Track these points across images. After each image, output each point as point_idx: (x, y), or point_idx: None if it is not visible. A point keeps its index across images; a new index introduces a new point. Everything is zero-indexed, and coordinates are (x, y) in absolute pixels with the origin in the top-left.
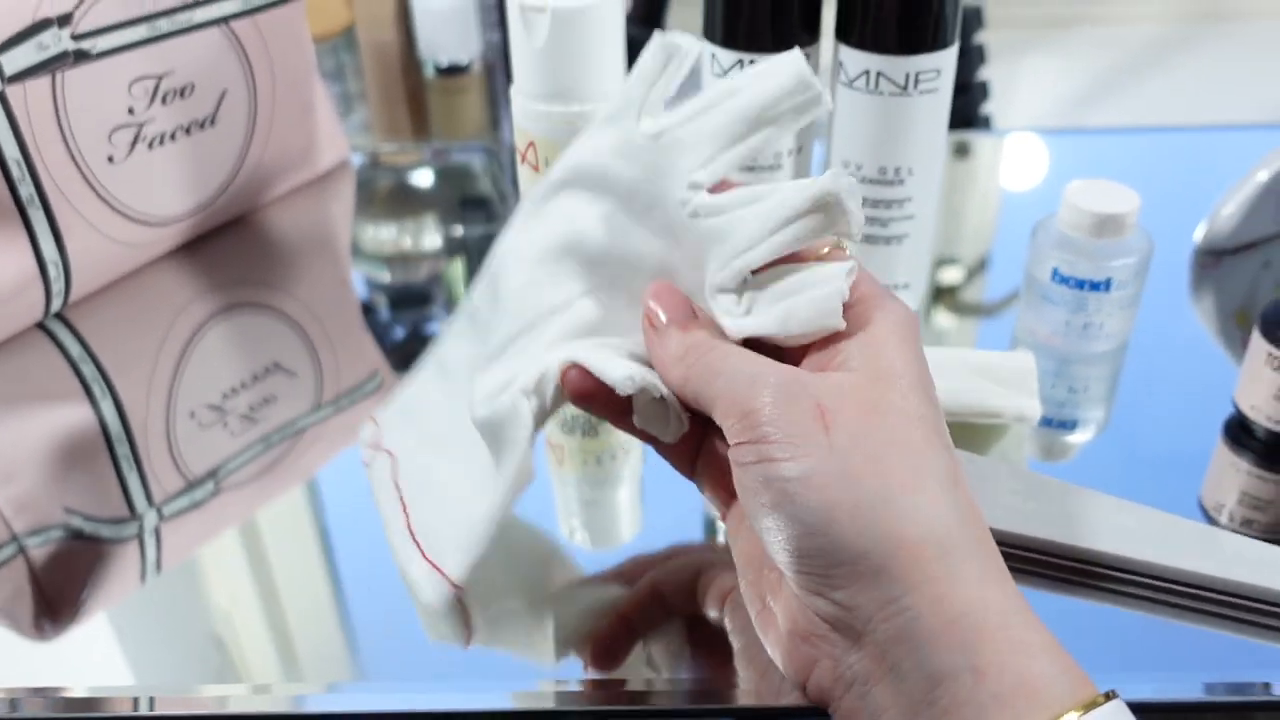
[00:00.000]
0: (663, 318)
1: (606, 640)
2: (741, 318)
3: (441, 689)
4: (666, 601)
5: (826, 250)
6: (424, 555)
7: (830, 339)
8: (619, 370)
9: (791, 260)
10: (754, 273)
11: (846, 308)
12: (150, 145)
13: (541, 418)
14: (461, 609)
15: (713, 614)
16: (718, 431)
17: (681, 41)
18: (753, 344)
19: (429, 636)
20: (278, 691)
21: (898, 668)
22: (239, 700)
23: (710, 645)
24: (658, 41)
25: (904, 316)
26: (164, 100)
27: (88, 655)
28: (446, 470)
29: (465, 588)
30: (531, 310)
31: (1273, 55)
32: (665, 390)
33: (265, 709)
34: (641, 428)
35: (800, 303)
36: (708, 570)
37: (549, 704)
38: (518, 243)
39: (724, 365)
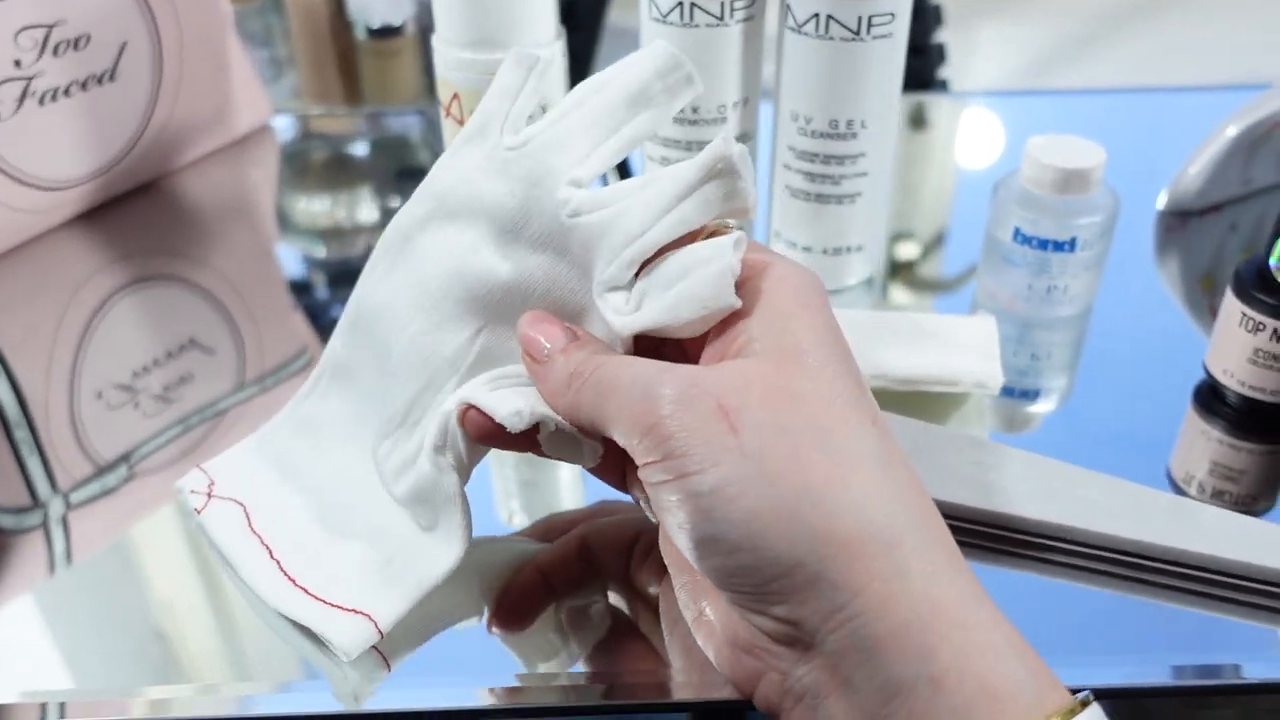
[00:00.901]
0: (544, 344)
1: (516, 596)
2: (631, 314)
3: (395, 687)
4: (595, 561)
5: (710, 231)
6: (326, 602)
7: (727, 321)
8: (505, 406)
9: (678, 245)
10: (644, 264)
11: (739, 283)
12: (41, 101)
13: (464, 470)
14: (380, 658)
15: (649, 589)
16: None
17: (540, 53)
18: (652, 347)
19: (336, 696)
20: (225, 692)
21: (850, 680)
22: (182, 703)
23: (633, 627)
24: (513, 55)
25: (805, 281)
26: (55, 52)
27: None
28: (333, 519)
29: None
30: (426, 365)
31: (1234, 18)
32: (560, 419)
33: (211, 712)
34: (555, 458)
35: (689, 285)
36: (646, 534)
37: (499, 700)
38: (388, 292)
39: (614, 382)
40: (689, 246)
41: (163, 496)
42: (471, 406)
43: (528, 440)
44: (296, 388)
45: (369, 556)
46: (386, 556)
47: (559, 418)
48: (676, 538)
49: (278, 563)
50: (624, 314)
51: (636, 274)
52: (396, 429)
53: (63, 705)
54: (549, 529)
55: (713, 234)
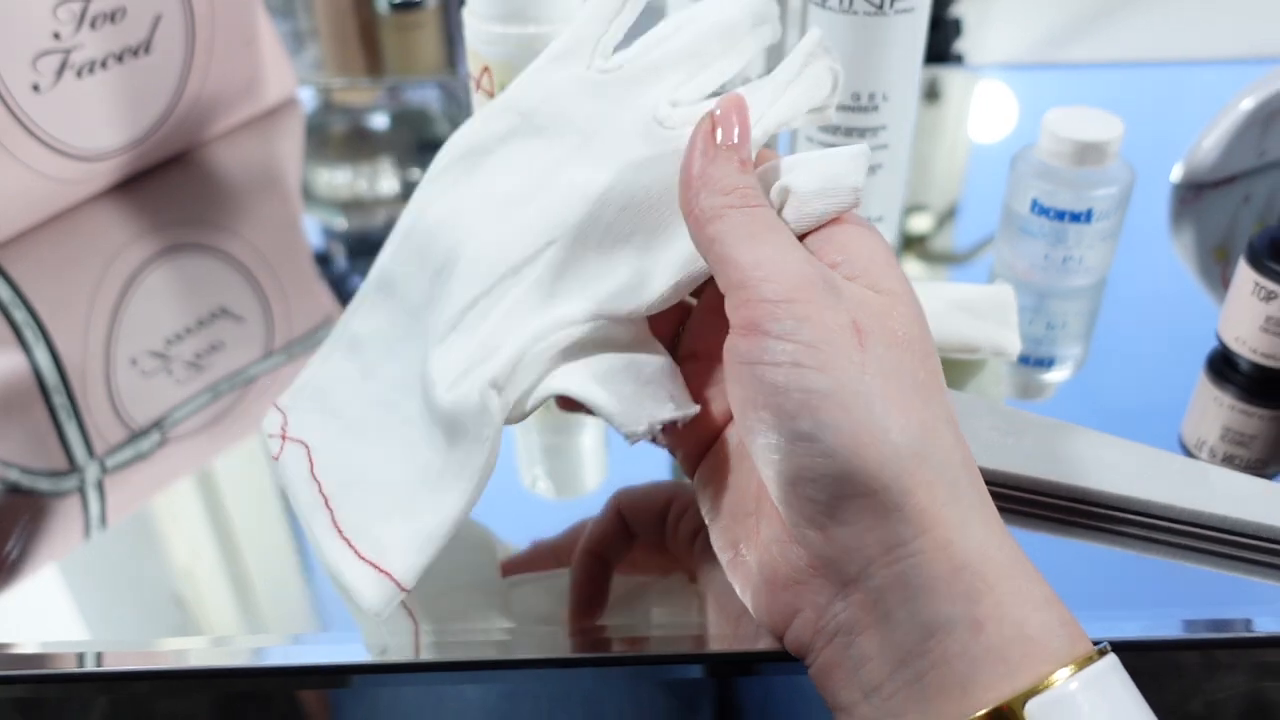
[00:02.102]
0: (718, 144)
1: (584, 581)
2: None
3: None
4: (631, 531)
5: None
6: (360, 556)
7: (826, 243)
8: (634, 425)
9: None
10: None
11: (836, 220)
12: (79, 73)
13: (517, 416)
14: (408, 611)
15: (681, 551)
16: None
17: None
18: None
19: (371, 654)
20: (239, 644)
21: (890, 616)
22: (199, 654)
23: (670, 590)
24: None
25: (882, 237)
26: (93, 25)
27: (35, 611)
28: (376, 462)
29: (411, 590)
30: (490, 271)
31: None
32: (681, 413)
33: (225, 662)
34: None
35: (821, 163)
36: (678, 499)
37: (521, 653)
38: (455, 201)
39: (769, 232)
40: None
41: (194, 461)
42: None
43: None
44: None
45: (397, 502)
46: (413, 499)
47: (682, 413)
48: (760, 430)
49: (331, 512)
50: None
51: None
52: (450, 332)
53: (99, 655)
54: (534, 557)
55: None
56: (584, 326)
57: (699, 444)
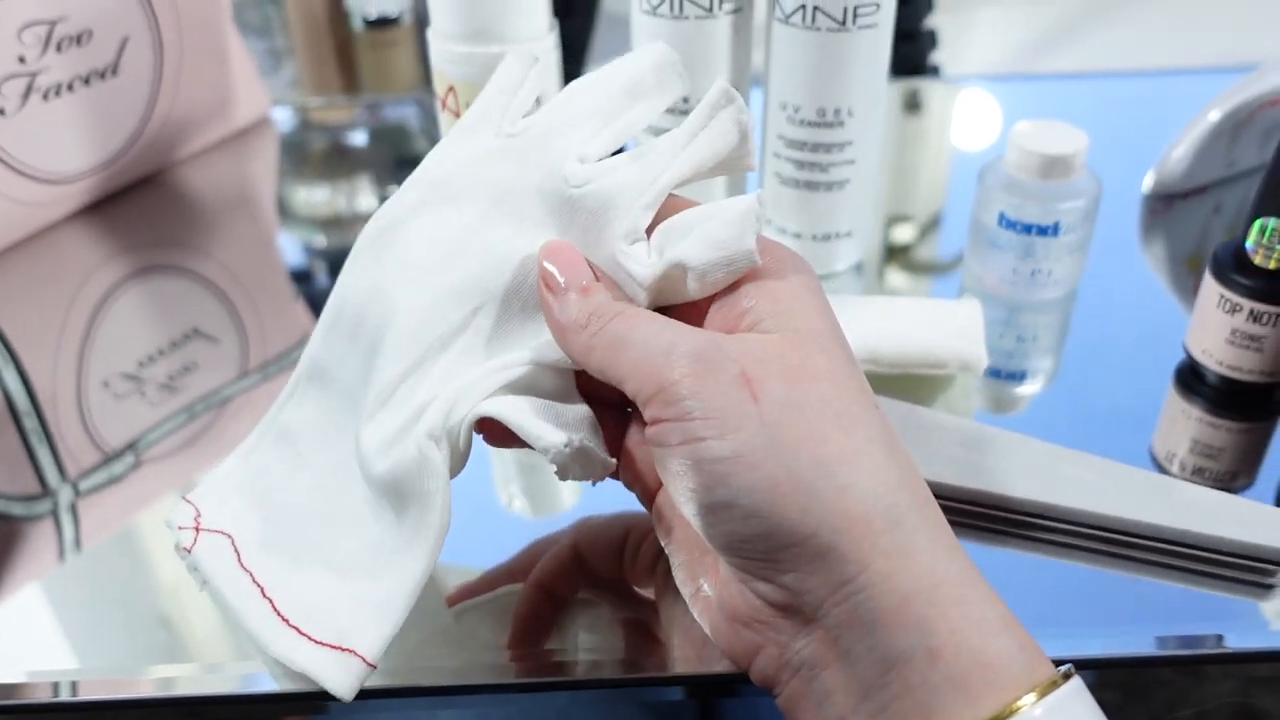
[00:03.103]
0: (560, 280)
1: (526, 615)
2: (652, 259)
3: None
4: (588, 564)
5: None
6: (316, 641)
7: (733, 298)
8: (553, 437)
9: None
10: (655, 223)
11: (744, 280)
12: (45, 96)
13: (457, 463)
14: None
15: (641, 581)
16: (637, 422)
17: (535, 54)
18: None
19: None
20: (229, 670)
21: (849, 652)
22: (187, 681)
23: (631, 622)
24: (513, 56)
25: (804, 266)
26: (58, 48)
27: (8, 639)
28: (318, 545)
29: (378, 665)
30: (416, 343)
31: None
32: (599, 453)
33: (214, 690)
34: (563, 479)
35: (711, 228)
36: (635, 530)
37: (502, 678)
38: (375, 277)
39: (632, 334)
40: (714, 203)
41: (169, 483)
42: (490, 420)
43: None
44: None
45: (351, 580)
46: (368, 574)
47: (595, 451)
48: (684, 503)
49: (270, 601)
50: (645, 263)
51: (650, 231)
52: (380, 409)
53: (74, 684)
54: (484, 583)
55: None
56: (514, 370)
57: (655, 478)
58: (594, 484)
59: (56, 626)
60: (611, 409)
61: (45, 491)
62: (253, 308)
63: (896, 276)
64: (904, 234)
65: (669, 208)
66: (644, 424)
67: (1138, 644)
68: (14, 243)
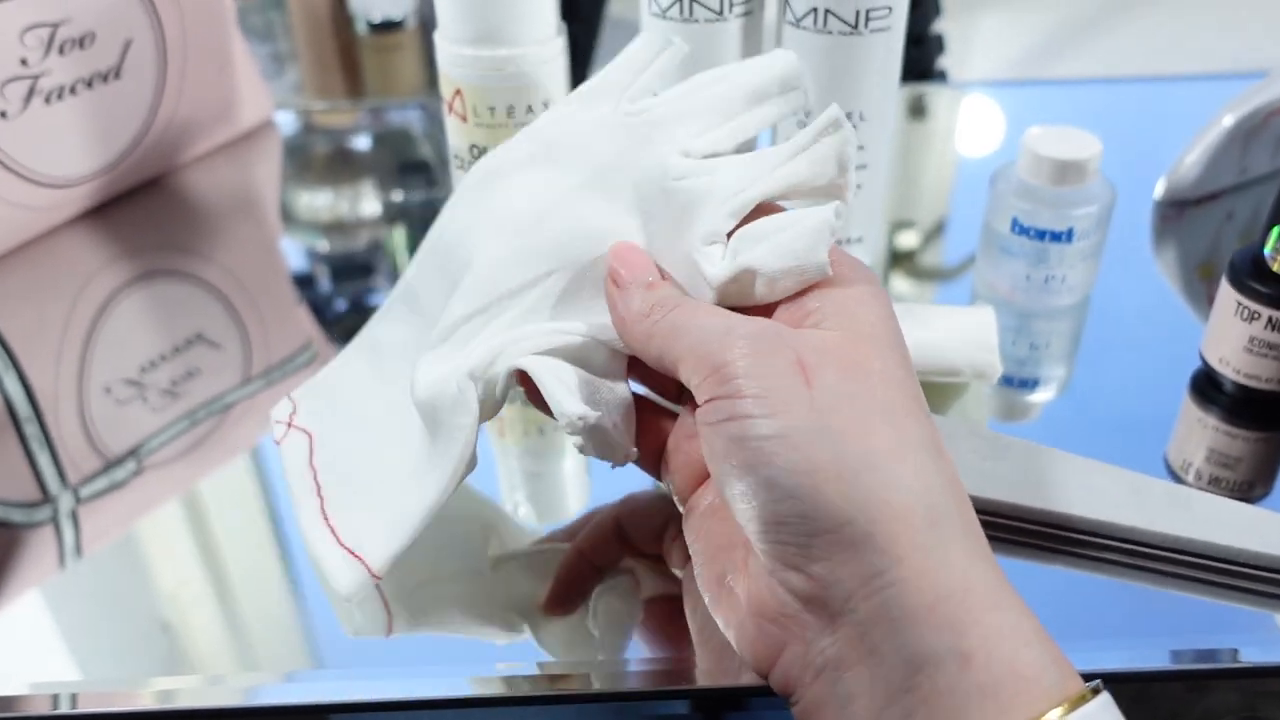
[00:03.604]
0: (626, 276)
1: (564, 579)
2: (725, 261)
3: (404, 676)
4: (629, 541)
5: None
6: (339, 541)
7: (800, 297)
8: (570, 407)
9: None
10: (737, 228)
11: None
12: (48, 99)
13: (490, 408)
14: (380, 597)
15: (676, 570)
16: (681, 420)
17: (671, 39)
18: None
19: (345, 631)
20: (231, 683)
21: (876, 650)
22: (189, 694)
23: (664, 610)
24: (649, 35)
25: (874, 279)
26: (61, 50)
27: (7, 649)
28: (373, 456)
29: (383, 577)
30: (489, 291)
31: (1231, 7)
32: (611, 425)
33: (218, 702)
34: (583, 453)
35: (785, 238)
36: (676, 517)
37: (509, 690)
38: (472, 217)
39: (692, 321)
40: (791, 211)
41: (171, 489)
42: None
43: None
44: (302, 381)
45: (379, 493)
46: (395, 488)
47: (609, 424)
48: (726, 482)
49: (321, 499)
50: (718, 264)
51: (730, 235)
52: (441, 343)
53: (74, 696)
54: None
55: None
56: (570, 337)
57: (693, 478)
58: (613, 467)
59: (56, 634)
60: (659, 407)
61: (46, 498)
62: (256, 313)
63: (899, 283)
64: (908, 240)
65: (761, 210)
66: (688, 423)
67: (1152, 657)
68: (15, 247)
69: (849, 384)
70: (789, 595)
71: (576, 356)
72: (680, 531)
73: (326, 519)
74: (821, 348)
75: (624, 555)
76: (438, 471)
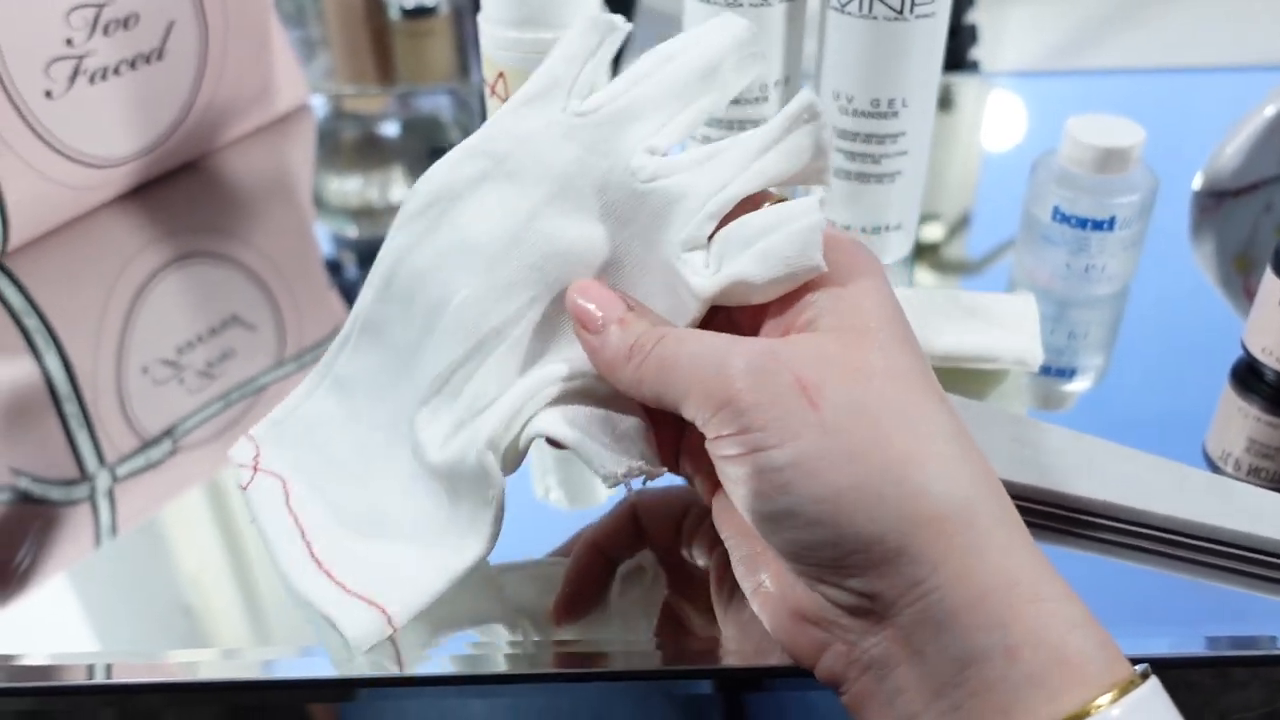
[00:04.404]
0: (598, 316)
1: (578, 573)
2: (711, 274)
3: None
4: (645, 533)
5: (774, 200)
6: (346, 589)
7: (791, 295)
8: (614, 467)
9: (750, 206)
10: (720, 227)
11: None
12: (92, 79)
13: (511, 466)
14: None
15: (699, 561)
16: (696, 431)
17: (615, 19)
18: (708, 319)
19: (354, 653)
20: (248, 656)
21: (922, 651)
22: (208, 666)
23: (682, 598)
24: (589, 19)
25: (866, 256)
26: (105, 31)
27: (44, 622)
28: (365, 503)
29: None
30: (473, 332)
31: None
32: (642, 459)
33: (235, 675)
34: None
35: (774, 242)
36: (695, 507)
37: (529, 668)
38: (432, 253)
39: (679, 354)
40: (771, 206)
41: (204, 470)
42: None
43: None
44: None
45: (394, 541)
46: (411, 543)
47: (652, 468)
48: (746, 512)
49: (308, 544)
50: (703, 274)
51: (711, 237)
52: (435, 396)
53: (109, 667)
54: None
55: (776, 204)
56: (569, 383)
57: (713, 476)
58: (645, 483)
59: (85, 611)
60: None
61: (84, 476)
62: (290, 296)
63: (924, 275)
64: (933, 232)
65: (754, 201)
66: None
67: (1188, 644)
68: (57, 225)
69: (855, 393)
70: (828, 603)
71: (582, 392)
72: (700, 527)
73: (319, 564)
74: (820, 358)
75: (638, 546)
76: (473, 538)
